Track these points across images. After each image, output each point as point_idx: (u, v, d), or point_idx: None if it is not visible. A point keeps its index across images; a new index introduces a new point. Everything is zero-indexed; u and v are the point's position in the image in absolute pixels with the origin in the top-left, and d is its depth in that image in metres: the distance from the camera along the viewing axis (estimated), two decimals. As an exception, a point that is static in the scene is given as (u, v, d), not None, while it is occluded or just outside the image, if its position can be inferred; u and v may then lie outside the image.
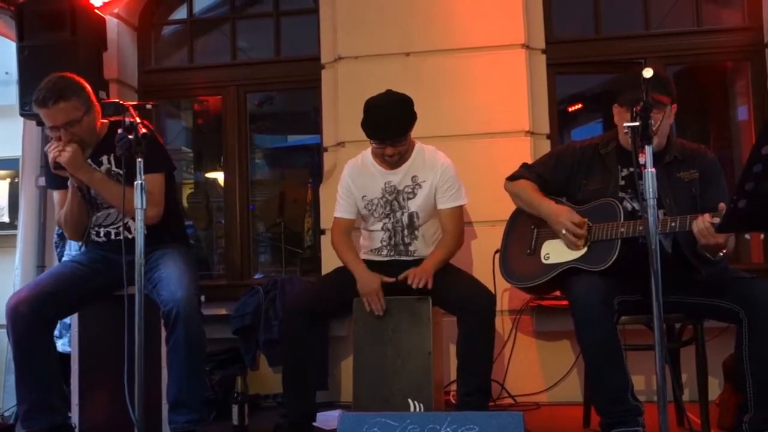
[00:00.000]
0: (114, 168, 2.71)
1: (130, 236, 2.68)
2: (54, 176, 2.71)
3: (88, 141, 2.69)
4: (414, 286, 2.76)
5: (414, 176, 2.97)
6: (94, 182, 2.64)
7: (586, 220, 2.57)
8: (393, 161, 2.93)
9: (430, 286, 2.77)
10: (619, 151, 2.65)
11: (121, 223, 2.74)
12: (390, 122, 2.84)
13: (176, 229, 2.95)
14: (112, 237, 2.77)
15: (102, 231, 2.78)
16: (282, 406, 3.07)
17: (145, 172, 2.40)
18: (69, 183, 2.67)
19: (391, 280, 2.84)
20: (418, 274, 2.77)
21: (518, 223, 2.85)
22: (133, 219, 2.50)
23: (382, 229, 3.00)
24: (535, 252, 2.71)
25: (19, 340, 2.59)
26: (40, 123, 3.70)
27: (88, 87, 2.68)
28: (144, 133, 2.21)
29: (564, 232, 2.57)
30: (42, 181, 3.72)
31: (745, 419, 2.29)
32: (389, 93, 2.92)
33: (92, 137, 2.71)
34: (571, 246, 2.57)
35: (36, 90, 2.59)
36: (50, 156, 2.58)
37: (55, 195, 2.83)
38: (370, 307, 2.80)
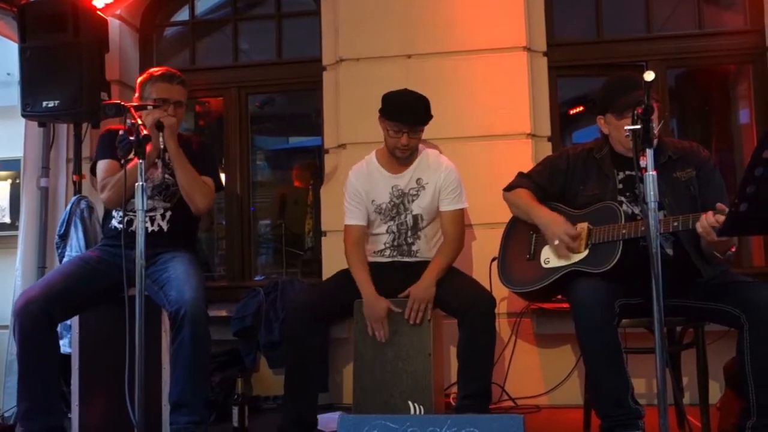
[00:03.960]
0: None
1: (153, 228, 2.82)
2: (110, 147, 2.85)
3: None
4: (411, 322, 2.79)
5: (419, 179, 2.98)
6: (178, 154, 2.77)
7: (583, 230, 2.56)
8: (405, 155, 2.95)
9: (429, 316, 2.79)
10: (613, 155, 2.65)
11: (156, 213, 2.86)
12: (414, 108, 2.89)
13: (192, 236, 3.05)
14: (134, 227, 2.75)
15: (127, 217, 2.78)
16: (283, 408, 3.07)
17: (205, 173, 2.88)
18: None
19: (398, 310, 2.83)
20: (416, 307, 2.79)
21: (516, 229, 2.84)
22: (191, 202, 2.81)
23: (387, 231, 3.00)
24: (534, 257, 2.70)
25: (25, 339, 2.58)
26: (41, 124, 3.71)
27: None
28: (145, 135, 2.22)
29: (557, 242, 2.57)
30: (44, 182, 3.73)
31: (747, 425, 2.28)
32: (408, 90, 2.96)
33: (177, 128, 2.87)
34: (562, 256, 2.57)
35: (155, 69, 2.91)
36: (152, 117, 2.61)
37: (105, 164, 2.89)
38: (373, 333, 2.82)
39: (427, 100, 2.94)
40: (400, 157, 2.96)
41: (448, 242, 2.95)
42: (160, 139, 2.57)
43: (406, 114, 2.89)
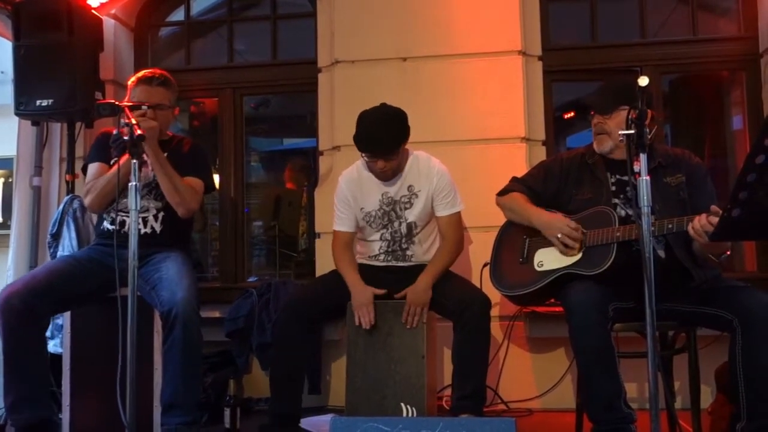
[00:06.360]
0: None
1: (146, 230, 2.83)
2: (103, 150, 2.90)
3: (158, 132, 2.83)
4: (409, 326, 2.79)
5: (410, 186, 2.96)
6: (159, 158, 2.75)
7: (580, 225, 2.58)
8: (385, 176, 2.92)
9: (425, 319, 2.79)
10: (605, 159, 2.66)
11: (148, 215, 2.87)
12: (381, 137, 2.82)
13: (185, 236, 3.04)
14: (126, 228, 2.76)
15: (119, 218, 2.78)
16: (268, 408, 3.06)
17: (195, 174, 2.87)
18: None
19: (382, 291, 2.85)
20: (412, 311, 2.79)
21: (509, 233, 2.84)
22: (176, 206, 2.78)
23: (381, 239, 2.99)
24: (527, 260, 2.70)
25: (9, 333, 2.59)
26: (35, 123, 3.69)
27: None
28: (139, 135, 2.22)
29: (559, 236, 2.56)
30: (36, 181, 3.71)
31: (738, 428, 2.29)
32: (383, 106, 2.90)
33: (161, 131, 2.85)
34: (564, 252, 2.57)
35: (139, 72, 2.93)
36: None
37: (94, 167, 2.91)
38: (359, 321, 2.81)
39: (398, 120, 2.85)
40: (381, 177, 2.94)
41: (446, 245, 2.94)
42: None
43: (373, 144, 2.83)
